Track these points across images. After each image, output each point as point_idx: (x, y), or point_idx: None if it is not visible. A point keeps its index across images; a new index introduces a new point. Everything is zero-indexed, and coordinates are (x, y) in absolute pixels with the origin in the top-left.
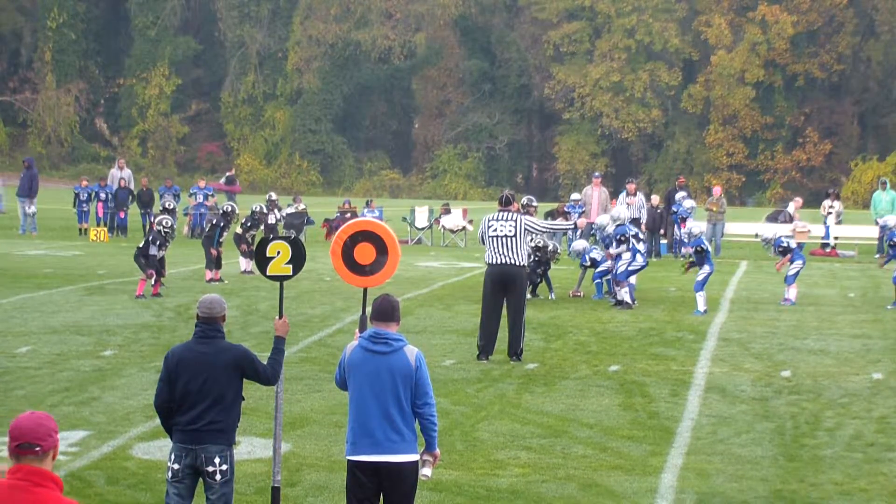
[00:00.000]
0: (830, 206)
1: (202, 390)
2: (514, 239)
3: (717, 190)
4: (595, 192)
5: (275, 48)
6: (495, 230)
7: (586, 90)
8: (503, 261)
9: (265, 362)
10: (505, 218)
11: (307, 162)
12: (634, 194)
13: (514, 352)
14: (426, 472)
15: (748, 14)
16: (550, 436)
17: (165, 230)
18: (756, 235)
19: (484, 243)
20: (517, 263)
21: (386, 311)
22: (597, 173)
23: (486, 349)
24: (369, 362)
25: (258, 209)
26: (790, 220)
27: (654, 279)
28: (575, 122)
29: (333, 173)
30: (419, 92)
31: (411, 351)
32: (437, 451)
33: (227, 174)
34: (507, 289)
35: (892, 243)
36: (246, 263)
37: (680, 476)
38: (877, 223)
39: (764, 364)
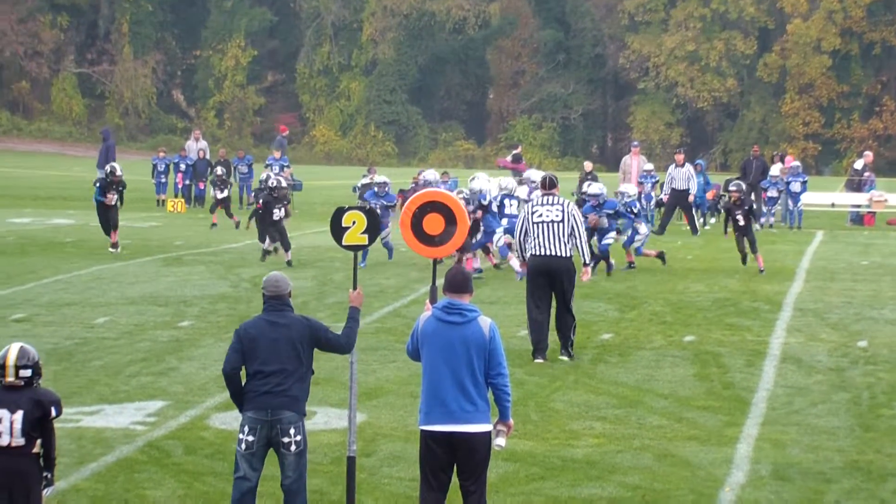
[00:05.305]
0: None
1: (275, 359)
2: (560, 225)
3: (788, 159)
4: (634, 161)
5: (350, 19)
6: (540, 215)
7: (661, 59)
8: (548, 252)
9: (337, 332)
10: (551, 202)
11: (382, 132)
12: (682, 165)
13: (565, 349)
14: (500, 442)
15: None
16: (625, 406)
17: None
18: (832, 205)
19: (519, 235)
20: (563, 255)
21: (459, 282)
22: (635, 142)
23: (540, 347)
24: (443, 333)
25: (266, 178)
26: (859, 183)
27: (725, 249)
28: (650, 91)
29: (408, 144)
30: (493, 62)
31: (485, 321)
32: (511, 421)
33: (514, 151)
34: (553, 283)
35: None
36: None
37: (755, 447)
38: None
39: (840, 334)
